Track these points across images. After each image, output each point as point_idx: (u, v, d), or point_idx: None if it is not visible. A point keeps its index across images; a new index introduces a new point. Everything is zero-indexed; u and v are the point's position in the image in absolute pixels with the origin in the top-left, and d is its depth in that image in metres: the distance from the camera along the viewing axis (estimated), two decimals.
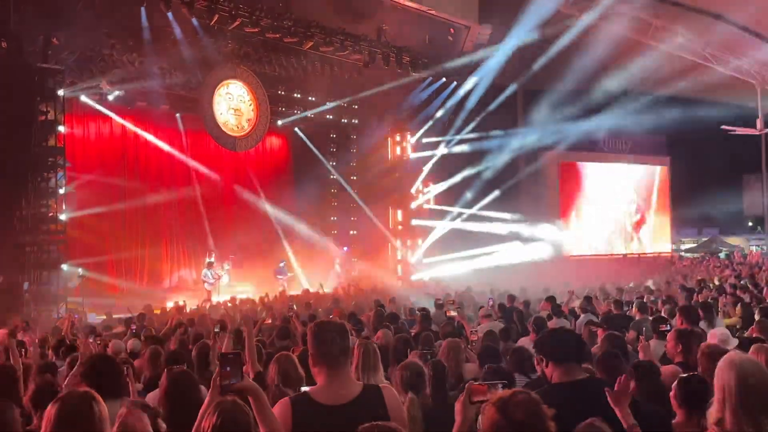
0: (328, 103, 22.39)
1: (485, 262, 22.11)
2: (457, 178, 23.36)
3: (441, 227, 23.56)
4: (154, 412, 2.97)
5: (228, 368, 2.52)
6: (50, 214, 15.15)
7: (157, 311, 14.49)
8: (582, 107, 23.39)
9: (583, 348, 3.33)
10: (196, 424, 2.73)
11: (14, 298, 14.18)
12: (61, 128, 15.48)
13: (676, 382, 3.32)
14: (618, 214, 30.02)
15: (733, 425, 2.60)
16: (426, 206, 24.36)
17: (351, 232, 24.41)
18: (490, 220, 23.68)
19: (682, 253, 34.45)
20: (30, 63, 14.98)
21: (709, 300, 10.41)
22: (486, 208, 23.73)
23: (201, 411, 2.75)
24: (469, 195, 23.42)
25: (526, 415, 2.07)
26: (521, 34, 19.44)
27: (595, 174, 29.40)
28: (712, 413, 2.68)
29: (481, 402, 2.37)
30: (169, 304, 16.51)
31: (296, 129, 22.60)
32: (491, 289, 15.11)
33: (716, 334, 5.38)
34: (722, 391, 2.63)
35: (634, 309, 9.00)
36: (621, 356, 4.43)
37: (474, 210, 23.57)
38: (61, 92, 15.41)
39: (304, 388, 3.06)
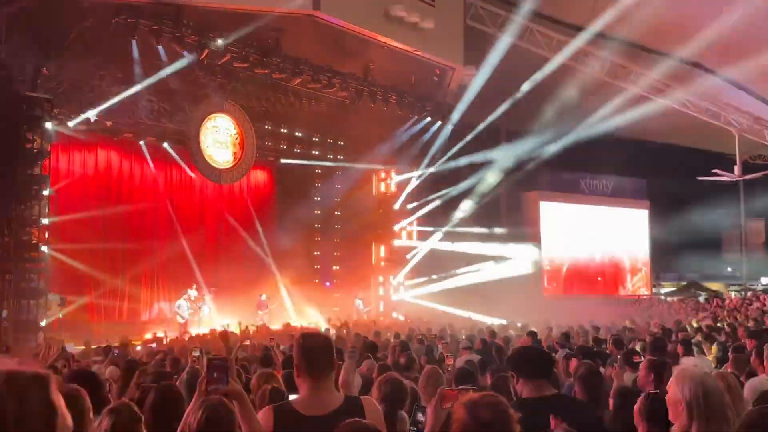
0: (314, 139, 22.69)
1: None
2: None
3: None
4: (136, 417, 3.02)
5: (215, 374, 2.59)
6: (32, 243, 15.11)
7: (137, 342, 14.41)
8: (564, 150, 23.79)
9: (553, 366, 3.44)
10: (182, 422, 2.79)
11: None
12: (47, 157, 15.55)
13: (640, 399, 3.42)
14: (597, 255, 30.29)
15: None
16: (409, 242, 24.62)
17: (334, 267, 24.45)
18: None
19: (662, 296, 34.68)
20: (19, 91, 15.10)
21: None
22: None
23: (187, 411, 2.82)
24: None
25: (494, 417, 2.16)
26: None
27: (575, 215, 29.73)
28: (676, 428, 2.79)
29: (451, 407, 2.45)
30: (148, 336, 16.42)
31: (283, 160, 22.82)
32: (472, 327, 15.31)
33: (690, 361, 5.51)
34: (689, 403, 2.74)
35: (610, 345, 9.10)
36: (601, 375, 4.55)
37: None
38: (48, 122, 15.52)
39: (291, 396, 3.11)
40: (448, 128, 22.92)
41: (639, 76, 22.25)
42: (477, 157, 23.02)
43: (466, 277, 23.21)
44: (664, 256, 33.19)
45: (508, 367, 3.34)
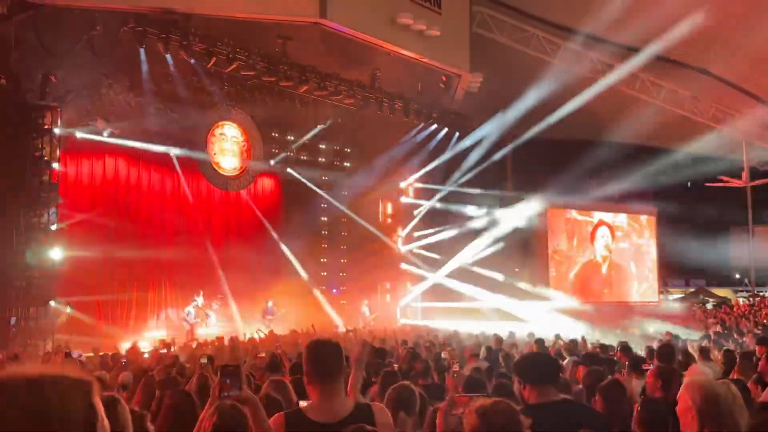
0: (321, 146, 22.76)
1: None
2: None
3: (431, 278, 23.67)
4: (141, 414, 3.05)
5: (227, 380, 2.63)
6: (41, 250, 15.19)
7: (144, 351, 14.42)
8: (569, 157, 23.78)
9: (559, 371, 3.44)
10: (196, 427, 2.83)
11: (1, 331, 14.13)
12: (56, 165, 15.64)
13: (638, 405, 3.43)
14: (604, 262, 30.19)
15: None
16: (417, 250, 24.61)
17: (341, 274, 24.47)
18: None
19: (671, 304, 34.55)
20: (28, 100, 15.22)
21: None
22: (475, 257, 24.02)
23: (201, 416, 2.85)
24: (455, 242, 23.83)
25: (505, 423, 2.18)
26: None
27: (581, 221, 29.68)
28: None
29: (462, 413, 2.47)
30: (156, 343, 16.43)
31: (288, 170, 22.90)
32: (478, 334, 15.31)
33: (696, 369, 5.50)
34: (700, 410, 2.75)
35: (617, 352, 9.10)
36: (623, 387, 4.53)
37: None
38: (57, 130, 15.62)
39: (302, 403, 3.13)
40: (455, 135, 23.02)
41: (644, 82, 22.23)
42: (484, 164, 23.09)
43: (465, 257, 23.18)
44: (672, 262, 33.07)
45: (515, 373, 3.34)
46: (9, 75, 14.93)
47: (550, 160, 23.87)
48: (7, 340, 14.03)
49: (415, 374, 6.47)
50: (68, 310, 16.60)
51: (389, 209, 25.37)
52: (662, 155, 25.45)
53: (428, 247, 24.34)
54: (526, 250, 26.13)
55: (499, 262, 24.17)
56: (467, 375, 5.68)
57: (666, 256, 32.07)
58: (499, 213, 24.80)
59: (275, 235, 22.12)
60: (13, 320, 14.59)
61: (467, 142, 22.97)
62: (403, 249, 24.74)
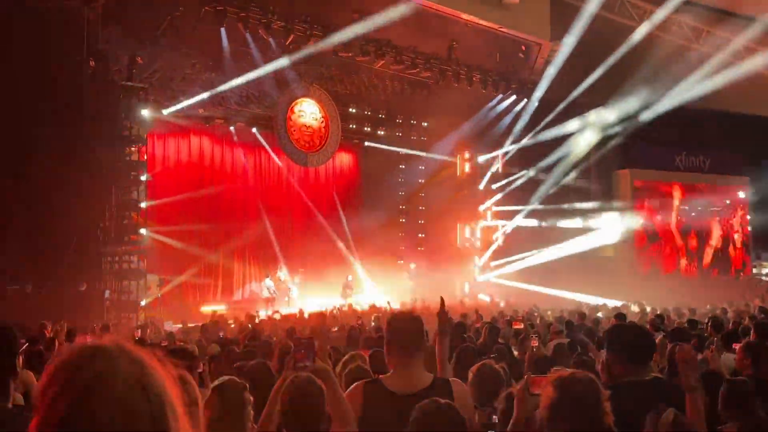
0: (398, 120, 22.70)
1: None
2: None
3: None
4: (242, 385, 3.09)
5: (302, 351, 2.67)
6: (132, 226, 15.82)
7: (230, 321, 14.87)
8: (656, 126, 22.88)
9: (655, 348, 3.30)
10: (271, 396, 2.88)
11: (96, 304, 14.81)
12: (143, 144, 16.20)
13: (724, 385, 3.30)
14: (695, 234, 29.11)
15: None
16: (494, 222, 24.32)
17: (419, 248, 24.47)
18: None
19: (764, 276, 33.05)
20: (115, 81, 15.76)
21: None
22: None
23: (276, 386, 2.90)
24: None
25: (584, 394, 2.11)
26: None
27: (671, 194, 28.66)
28: None
29: (540, 393, 2.36)
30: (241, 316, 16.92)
31: (366, 144, 22.96)
32: (561, 310, 15.07)
33: None
34: None
35: (708, 328, 8.73)
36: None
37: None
38: (144, 110, 16.16)
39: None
40: (534, 105, 22.41)
41: (728, 41, 21.02)
42: (564, 131, 22.37)
43: (554, 253, 22.52)
44: (766, 233, 31.52)
45: (607, 346, 3.16)
46: (98, 57, 15.48)
47: (634, 131, 23.03)
48: (101, 311, 14.69)
49: (499, 351, 6.33)
50: (159, 283, 17.27)
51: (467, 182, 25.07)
52: (754, 122, 24.17)
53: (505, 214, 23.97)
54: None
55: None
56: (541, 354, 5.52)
57: (759, 227, 30.63)
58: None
59: (354, 210, 22.31)
60: (107, 293, 15.27)
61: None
62: (482, 224, 24.49)
